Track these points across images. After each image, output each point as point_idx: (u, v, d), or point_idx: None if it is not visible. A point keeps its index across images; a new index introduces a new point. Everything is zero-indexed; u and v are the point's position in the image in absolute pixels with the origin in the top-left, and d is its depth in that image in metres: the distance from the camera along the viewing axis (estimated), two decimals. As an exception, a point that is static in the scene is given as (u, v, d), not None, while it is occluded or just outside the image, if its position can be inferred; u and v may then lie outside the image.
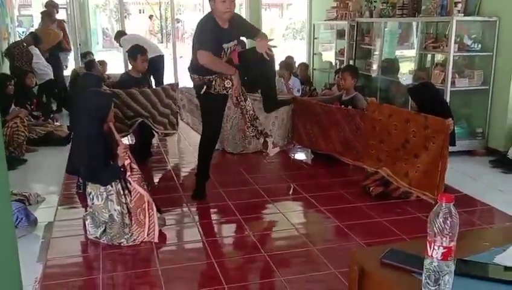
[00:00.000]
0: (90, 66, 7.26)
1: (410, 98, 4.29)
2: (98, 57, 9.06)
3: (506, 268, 1.39)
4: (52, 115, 7.12)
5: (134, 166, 3.35)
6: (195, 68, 3.92)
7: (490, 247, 1.53)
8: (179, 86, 5.67)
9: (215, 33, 3.78)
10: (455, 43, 5.27)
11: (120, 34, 7.96)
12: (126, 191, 3.39)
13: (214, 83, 3.92)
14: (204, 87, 3.93)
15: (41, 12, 8.19)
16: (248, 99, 4.17)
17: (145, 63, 5.26)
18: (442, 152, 3.71)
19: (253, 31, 4.06)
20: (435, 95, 4.32)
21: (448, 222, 1.22)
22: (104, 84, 5.35)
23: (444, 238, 1.23)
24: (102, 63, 8.23)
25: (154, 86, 6.25)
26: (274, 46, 3.85)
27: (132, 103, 5.03)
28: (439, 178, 3.72)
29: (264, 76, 4.37)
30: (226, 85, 3.94)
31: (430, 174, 3.79)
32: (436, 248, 1.24)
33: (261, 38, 3.85)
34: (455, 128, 4.05)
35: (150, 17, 17.79)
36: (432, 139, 3.79)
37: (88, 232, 3.42)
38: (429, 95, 4.24)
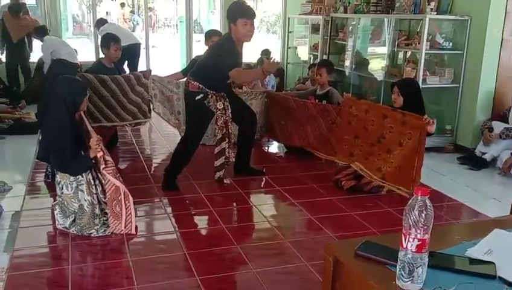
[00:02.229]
0: None
1: (391, 92, 4.31)
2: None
3: (471, 261, 1.42)
4: (20, 103, 6.93)
5: (108, 158, 3.26)
6: (201, 77, 4.02)
7: (461, 241, 1.56)
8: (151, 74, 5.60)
9: (235, 54, 3.99)
10: (427, 41, 5.36)
11: (100, 22, 7.82)
12: (97, 182, 3.34)
13: (209, 97, 4.02)
14: (201, 95, 4.01)
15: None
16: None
17: (118, 51, 5.23)
18: (419, 148, 3.76)
19: None
20: (420, 93, 4.38)
21: (423, 214, 1.24)
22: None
23: (419, 231, 1.25)
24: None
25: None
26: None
27: (102, 90, 4.96)
28: (415, 173, 3.77)
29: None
30: (218, 106, 4.07)
31: (405, 170, 3.84)
32: (410, 240, 1.25)
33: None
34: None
35: (122, 5, 17.46)
36: (408, 135, 3.84)
37: (57, 222, 3.35)
38: (416, 91, 4.30)
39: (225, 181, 4.37)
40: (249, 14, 3.89)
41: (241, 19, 3.86)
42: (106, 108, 5.04)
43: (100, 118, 5.00)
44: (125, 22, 16.13)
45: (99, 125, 4.97)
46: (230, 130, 4.26)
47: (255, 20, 3.95)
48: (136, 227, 3.43)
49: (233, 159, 4.40)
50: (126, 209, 3.28)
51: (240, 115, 4.35)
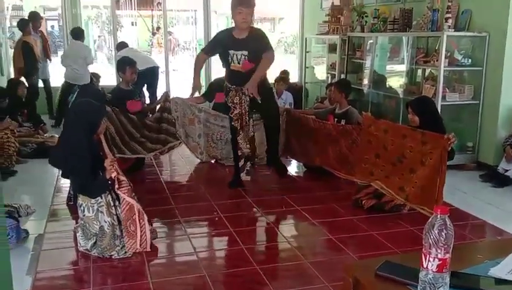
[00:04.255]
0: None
1: (407, 112, 4.28)
2: (90, 69, 9.00)
3: (497, 281, 1.40)
4: (41, 125, 7.02)
5: (123, 178, 3.32)
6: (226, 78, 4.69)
7: (484, 260, 1.53)
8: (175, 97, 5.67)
9: (220, 41, 4.58)
10: (446, 58, 5.33)
11: (120, 46, 7.98)
12: (117, 203, 3.38)
13: (230, 93, 4.58)
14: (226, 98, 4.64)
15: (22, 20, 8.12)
16: (251, 120, 4.73)
17: (134, 74, 5.37)
18: (440, 167, 3.70)
19: (262, 50, 4.46)
20: (435, 110, 4.34)
21: (443, 233, 1.23)
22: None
23: (439, 250, 1.23)
24: (96, 76, 8.22)
25: (147, 98, 6.29)
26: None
27: (128, 125, 5.12)
28: (437, 193, 3.71)
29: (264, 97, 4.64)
30: (234, 101, 4.55)
31: (428, 189, 3.78)
32: (431, 259, 1.24)
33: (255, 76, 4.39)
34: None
35: (158, 29, 17.74)
36: (430, 155, 3.78)
37: (79, 245, 3.38)
38: (430, 109, 4.25)
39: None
40: (241, 2, 4.36)
41: (235, 9, 4.36)
42: (133, 142, 5.16)
43: (124, 150, 5.07)
44: (160, 46, 16.22)
45: (122, 157, 5.01)
46: (245, 123, 4.59)
47: (250, 9, 4.37)
48: (156, 248, 3.45)
49: (247, 151, 4.74)
50: (141, 227, 3.33)
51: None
